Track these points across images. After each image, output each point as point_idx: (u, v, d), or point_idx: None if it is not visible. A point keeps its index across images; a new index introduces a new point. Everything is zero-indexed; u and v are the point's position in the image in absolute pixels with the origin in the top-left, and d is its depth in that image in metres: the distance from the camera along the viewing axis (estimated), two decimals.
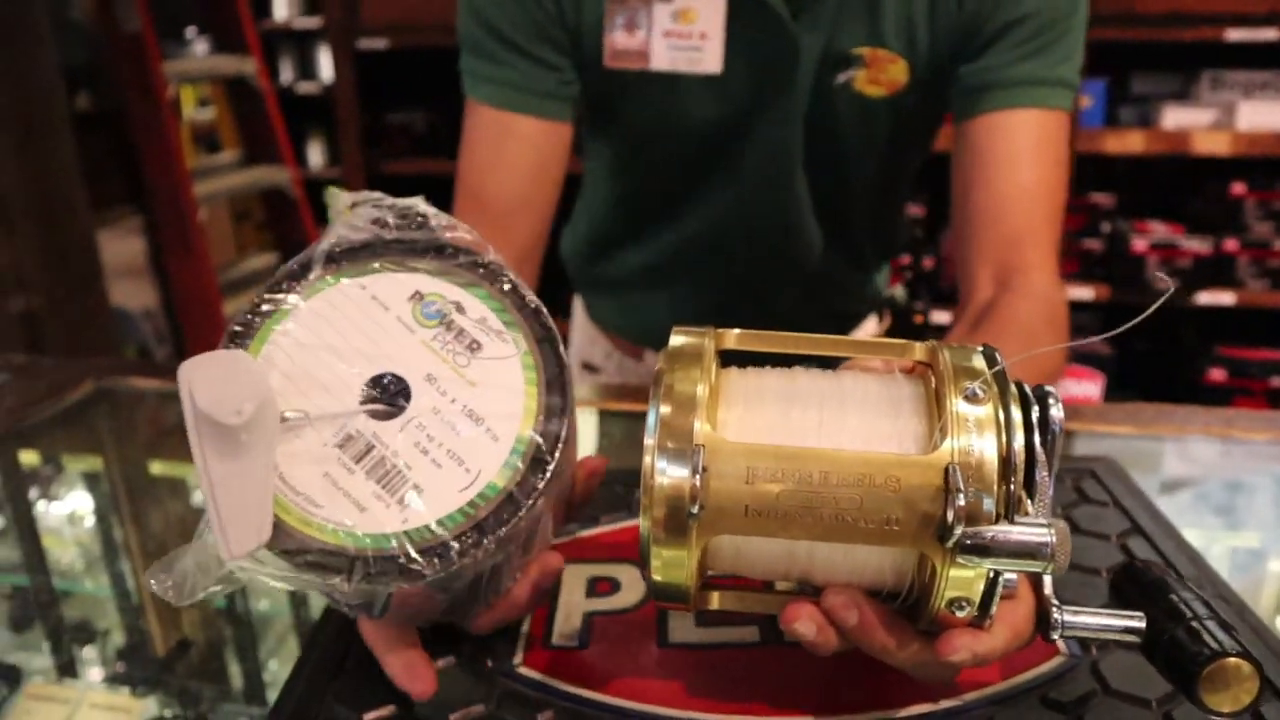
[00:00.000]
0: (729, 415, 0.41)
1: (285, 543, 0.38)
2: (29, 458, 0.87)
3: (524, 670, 0.48)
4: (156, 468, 0.86)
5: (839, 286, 1.01)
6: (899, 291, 1.20)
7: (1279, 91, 2.14)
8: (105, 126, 2.78)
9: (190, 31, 3.50)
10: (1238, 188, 2.20)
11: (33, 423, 0.85)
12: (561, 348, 0.44)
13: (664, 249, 0.98)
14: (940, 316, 2.27)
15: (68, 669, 0.75)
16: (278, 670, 0.77)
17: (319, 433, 0.40)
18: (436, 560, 0.38)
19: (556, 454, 0.41)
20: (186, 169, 2.82)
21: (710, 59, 0.83)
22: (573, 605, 0.53)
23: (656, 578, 0.41)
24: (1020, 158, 0.79)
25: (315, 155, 4.30)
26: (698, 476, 0.38)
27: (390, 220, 0.45)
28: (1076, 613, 0.39)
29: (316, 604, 0.77)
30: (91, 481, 0.86)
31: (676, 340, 0.43)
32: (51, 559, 0.83)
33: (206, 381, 0.36)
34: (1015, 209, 0.78)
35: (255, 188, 3.10)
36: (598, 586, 0.54)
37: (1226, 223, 2.21)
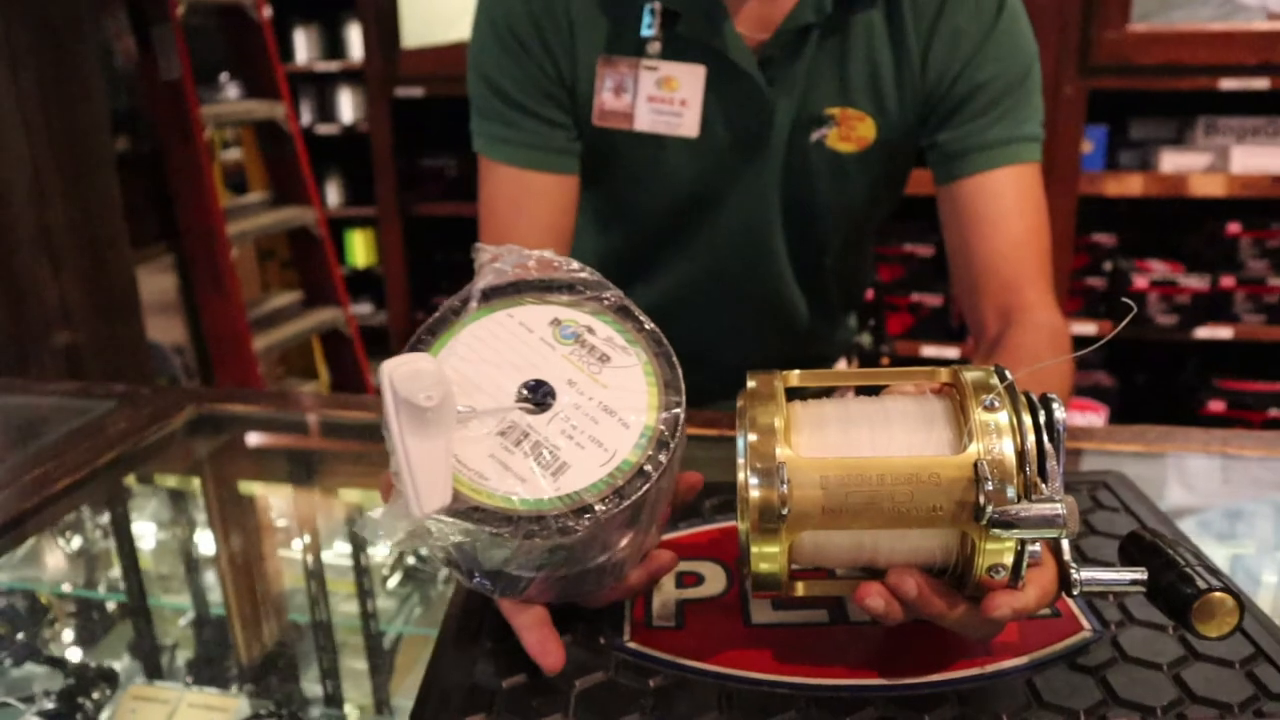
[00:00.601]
0: (800, 438, 0.51)
1: (461, 505, 0.47)
2: (139, 479, 0.96)
3: (633, 645, 0.57)
4: (253, 487, 0.95)
5: (813, 334, 1.09)
6: (866, 338, 1.30)
7: (1270, 136, 2.25)
8: (141, 168, 2.89)
9: (222, 77, 3.63)
10: (1233, 227, 2.31)
11: (144, 446, 0.94)
12: (674, 359, 0.54)
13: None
14: (949, 352, 2.37)
15: (164, 672, 0.83)
16: (358, 674, 0.85)
17: (483, 424, 0.50)
18: (586, 519, 0.47)
19: (676, 437, 0.50)
20: (221, 209, 2.93)
21: (689, 124, 0.91)
22: (666, 594, 0.61)
23: (758, 568, 0.50)
24: (1007, 213, 0.88)
25: (333, 194, 4.43)
26: (784, 486, 0.48)
27: (530, 265, 0.55)
28: (1091, 571, 0.48)
29: (385, 615, 0.86)
30: (194, 501, 0.95)
31: (751, 383, 0.53)
32: (156, 573, 0.92)
33: (402, 375, 0.46)
34: (1011, 258, 0.87)
35: (283, 227, 3.20)
36: (685, 579, 0.63)
37: (1223, 261, 2.32)
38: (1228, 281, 2.29)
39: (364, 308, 4.17)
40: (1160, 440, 0.85)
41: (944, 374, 0.53)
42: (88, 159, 2.53)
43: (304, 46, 4.30)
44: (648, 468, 0.49)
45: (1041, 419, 0.48)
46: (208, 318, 2.99)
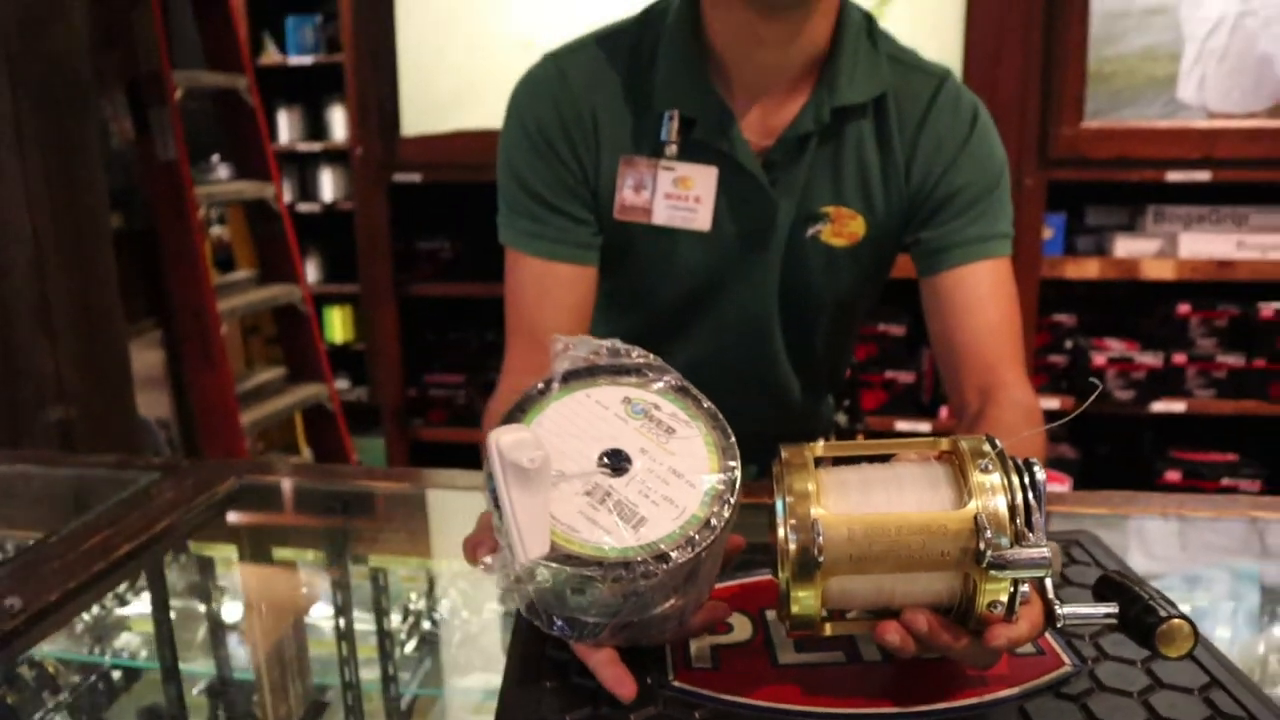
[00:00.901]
0: (828, 500, 0.60)
1: (558, 553, 0.55)
2: (193, 547, 1.02)
3: (677, 684, 0.64)
4: (299, 555, 1.01)
5: (803, 411, 1.18)
6: (842, 418, 1.39)
7: (1214, 224, 2.41)
8: (133, 245, 2.94)
9: (214, 158, 3.73)
10: (1183, 308, 2.46)
11: (193, 514, 1.01)
12: (729, 430, 0.63)
13: None
14: (922, 427, 2.48)
15: None
16: None
17: (572, 486, 0.58)
18: (663, 564, 0.55)
19: (734, 495, 0.59)
20: (212, 286, 3.00)
21: (702, 219, 1.00)
22: (701, 640, 0.69)
23: (795, 611, 0.59)
24: (984, 302, 0.98)
25: (312, 271, 4.51)
26: (819, 539, 0.57)
27: (602, 352, 0.64)
28: (1071, 608, 0.58)
29: (401, 679, 0.93)
30: (242, 569, 1.02)
31: (785, 454, 0.62)
32: (219, 639, 0.98)
33: (508, 442, 0.55)
34: (988, 342, 0.97)
35: (271, 304, 3.26)
36: (717, 628, 0.71)
37: (1175, 339, 2.46)
38: (1180, 358, 2.43)
39: (341, 383, 4.23)
40: (1124, 504, 0.95)
41: (944, 443, 0.63)
42: (87, 235, 2.59)
43: (287, 127, 4.43)
44: (713, 521, 0.58)
45: (1026, 480, 0.58)
46: (197, 392, 3.02)
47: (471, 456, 2.63)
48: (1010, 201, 1.02)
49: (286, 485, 1.10)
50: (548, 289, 1.01)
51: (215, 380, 2.99)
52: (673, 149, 0.98)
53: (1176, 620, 0.54)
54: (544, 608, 0.59)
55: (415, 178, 2.41)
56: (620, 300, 1.10)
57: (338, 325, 4.55)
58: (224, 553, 1.06)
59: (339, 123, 4.42)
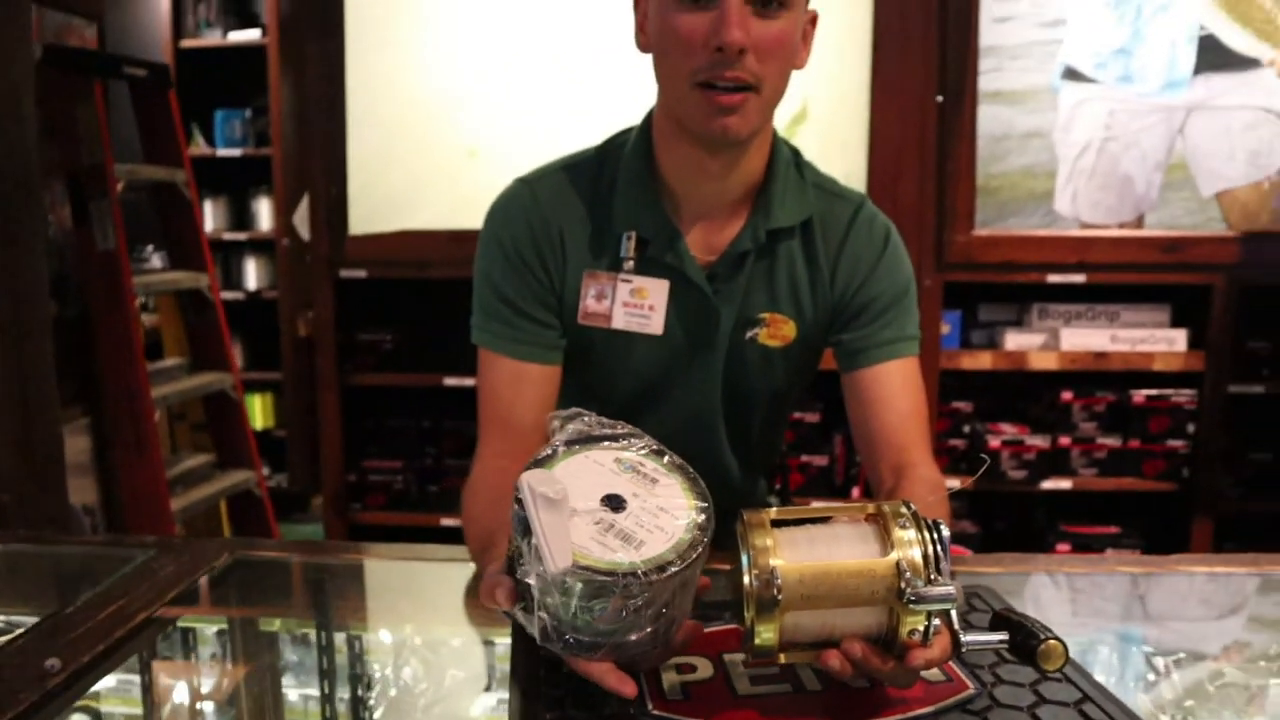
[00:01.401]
0: (783, 552, 0.75)
1: (579, 565, 0.69)
2: (197, 618, 1.11)
3: (656, 712, 0.78)
4: (298, 627, 1.11)
5: (741, 493, 1.31)
6: (774, 500, 1.54)
7: (1090, 320, 2.68)
8: (65, 332, 2.94)
9: (148, 248, 3.79)
10: (1066, 395, 2.68)
11: (195, 587, 1.11)
12: (699, 478, 0.78)
13: None
14: (836, 504, 2.65)
15: None
16: None
17: (582, 520, 0.73)
18: (659, 574, 0.70)
19: (709, 526, 0.74)
20: (146, 373, 3.02)
21: (655, 324, 1.14)
22: (671, 678, 0.83)
23: (757, 643, 0.73)
24: (896, 396, 1.14)
25: (235, 357, 4.53)
26: (778, 581, 0.72)
27: (593, 422, 0.79)
28: (973, 635, 0.74)
29: None
30: (245, 638, 1.11)
31: (746, 516, 0.77)
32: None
33: (536, 479, 0.70)
34: (900, 430, 1.13)
35: (203, 391, 3.29)
36: (682, 669, 0.85)
37: (1060, 423, 2.68)
38: (1065, 440, 2.66)
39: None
40: (1015, 563, 1.12)
41: (870, 507, 0.79)
42: (28, 323, 2.62)
43: (212, 216, 4.50)
44: (696, 542, 0.73)
45: (934, 535, 0.74)
46: (126, 479, 3.01)
47: (410, 538, 2.72)
48: (917, 308, 1.19)
49: (278, 559, 1.20)
50: (518, 386, 1.14)
51: (146, 466, 2.99)
52: (630, 264, 1.12)
53: (1053, 641, 0.70)
54: (555, 630, 0.73)
55: (361, 273, 2.54)
56: (580, 395, 1.22)
57: (258, 412, 4.57)
58: (219, 624, 1.15)
59: (264, 213, 4.52)
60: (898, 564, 0.72)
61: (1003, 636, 0.73)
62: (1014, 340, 2.66)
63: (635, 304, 1.14)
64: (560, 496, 0.70)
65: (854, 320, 1.16)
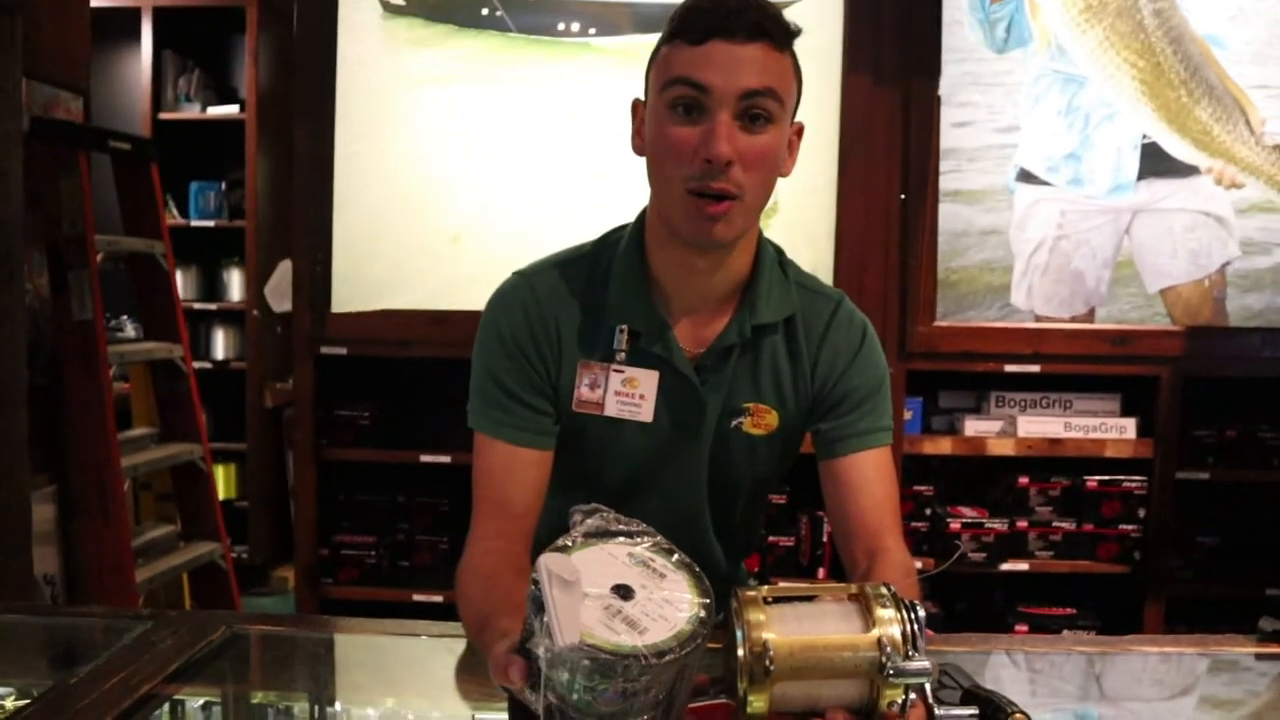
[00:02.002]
0: (774, 627, 0.81)
1: (585, 644, 0.74)
2: (193, 695, 1.13)
3: None
4: (294, 699, 1.14)
5: (724, 578, 1.31)
6: (754, 581, 1.61)
7: (1044, 408, 2.79)
8: (35, 400, 2.92)
9: (123, 318, 3.79)
10: (1023, 480, 2.77)
11: (196, 659, 1.14)
12: (703, 575, 0.83)
13: None
14: (800, 584, 2.71)
15: None
16: None
17: (594, 604, 0.78)
18: (659, 658, 0.75)
19: (709, 620, 0.80)
20: (117, 443, 3.01)
21: (645, 412, 1.19)
22: None
23: (750, 711, 0.79)
24: (870, 484, 1.20)
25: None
26: (770, 653, 0.78)
27: (611, 518, 0.86)
28: (945, 710, 0.80)
29: None
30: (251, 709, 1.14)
31: (741, 594, 0.83)
32: None
33: (554, 561, 0.76)
34: (873, 515, 1.18)
35: (173, 461, 3.28)
36: None
37: (1017, 507, 2.76)
38: (1022, 524, 2.74)
39: None
40: (979, 642, 1.19)
41: (853, 588, 0.85)
42: (4, 392, 2.62)
43: (183, 286, 4.52)
44: (695, 634, 0.78)
45: (911, 615, 0.81)
46: (91, 549, 2.97)
47: (382, 613, 2.71)
48: (890, 400, 1.26)
49: (272, 633, 1.24)
50: (512, 469, 1.18)
51: (112, 537, 2.95)
52: (622, 356, 1.18)
53: (1019, 715, 0.77)
54: (559, 710, 0.78)
55: (341, 350, 2.59)
56: (571, 480, 1.25)
57: (221, 482, 4.54)
58: (216, 698, 1.18)
59: (235, 284, 4.55)
60: (879, 640, 0.78)
61: (973, 711, 0.80)
62: (973, 427, 2.76)
63: (627, 393, 1.19)
64: (574, 579, 0.76)
65: (832, 410, 1.22)
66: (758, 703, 0.79)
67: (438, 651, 1.24)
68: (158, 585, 3.06)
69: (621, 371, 1.19)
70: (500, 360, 1.19)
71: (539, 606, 0.77)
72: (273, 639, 1.23)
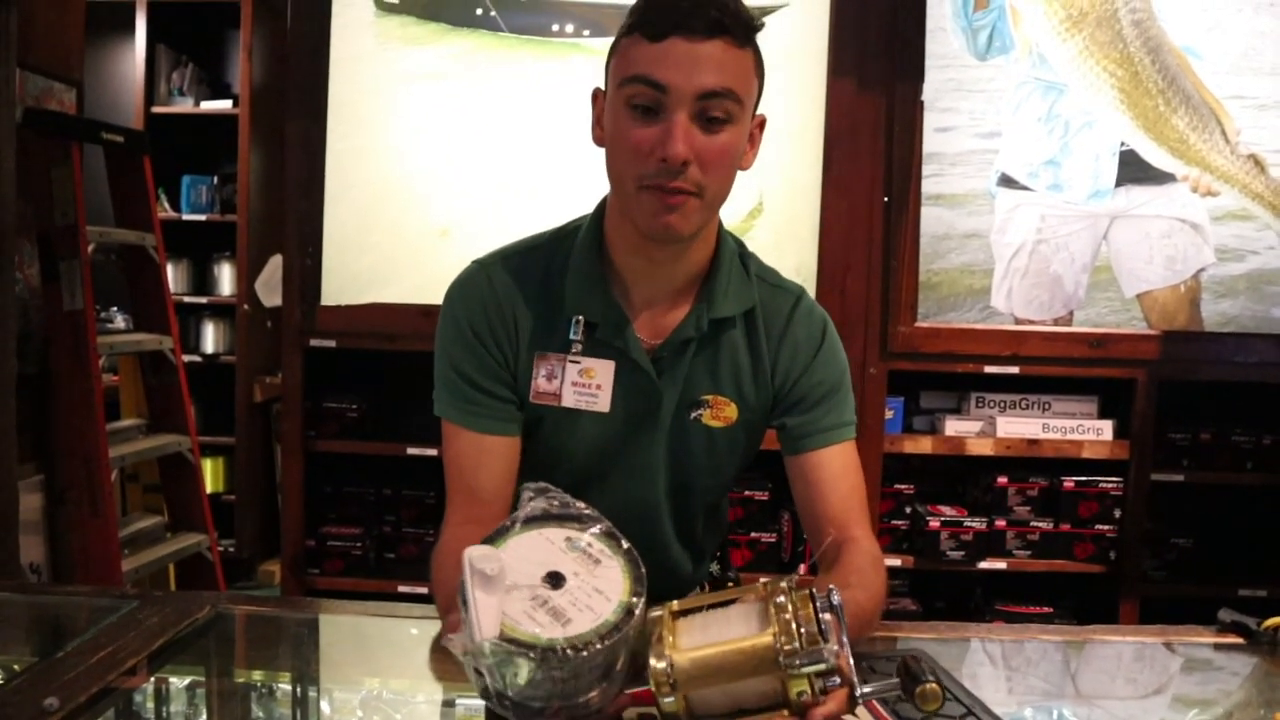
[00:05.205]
0: (680, 642, 0.85)
1: (503, 636, 0.77)
2: (174, 670, 1.16)
3: None
4: (279, 678, 1.17)
5: (683, 575, 1.37)
6: (715, 567, 1.63)
7: (1023, 409, 2.83)
8: (25, 390, 2.93)
9: (112, 310, 3.81)
10: (1001, 479, 2.80)
11: (180, 637, 1.17)
12: (641, 565, 0.86)
13: None
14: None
15: None
16: None
17: (521, 593, 0.81)
18: (576, 651, 0.78)
19: (637, 611, 0.83)
20: (105, 433, 3.03)
21: (602, 403, 1.20)
22: None
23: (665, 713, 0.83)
24: (836, 478, 1.22)
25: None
26: (672, 669, 0.82)
27: (557, 501, 0.89)
28: (869, 686, 0.84)
29: None
30: (222, 688, 1.16)
31: (653, 611, 0.86)
32: None
33: (477, 554, 0.79)
34: (840, 506, 1.21)
35: (160, 452, 3.30)
36: None
37: (996, 506, 2.79)
38: (1000, 523, 2.77)
39: None
40: (946, 631, 1.23)
41: (762, 588, 0.88)
42: None
43: (174, 279, 4.53)
44: (620, 625, 0.81)
45: (819, 604, 0.83)
46: (78, 539, 2.99)
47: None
48: (852, 396, 1.28)
49: (257, 614, 1.27)
50: (480, 457, 1.20)
51: (99, 527, 2.97)
52: (578, 347, 1.20)
53: (931, 685, 0.81)
54: (495, 688, 0.81)
55: (330, 343, 2.62)
56: (533, 470, 1.26)
57: (209, 475, 4.55)
58: (199, 675, 1.21)
59: (226, 278, 4.57)
60: (774, 636, 0.81)
61: (895, 682, 0.84)
62: (953, 427, 2.79)
63: (583, 384, 1.21)
64: (495, 573, 0.78)
65: (796, 406, 1.24)
66: (669, 707, 0.82)
67: (421, 633, 1.27)
68: (144, 576, 3.08)
69: (578, 362, 1.20)
70: (461, 350, 1.21)
71: (464, 596, 0.79)
72: (257, 619, 1.26)
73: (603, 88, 1.18)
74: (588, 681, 0.80)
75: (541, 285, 1.22)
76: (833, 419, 1.24)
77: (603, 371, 1.20)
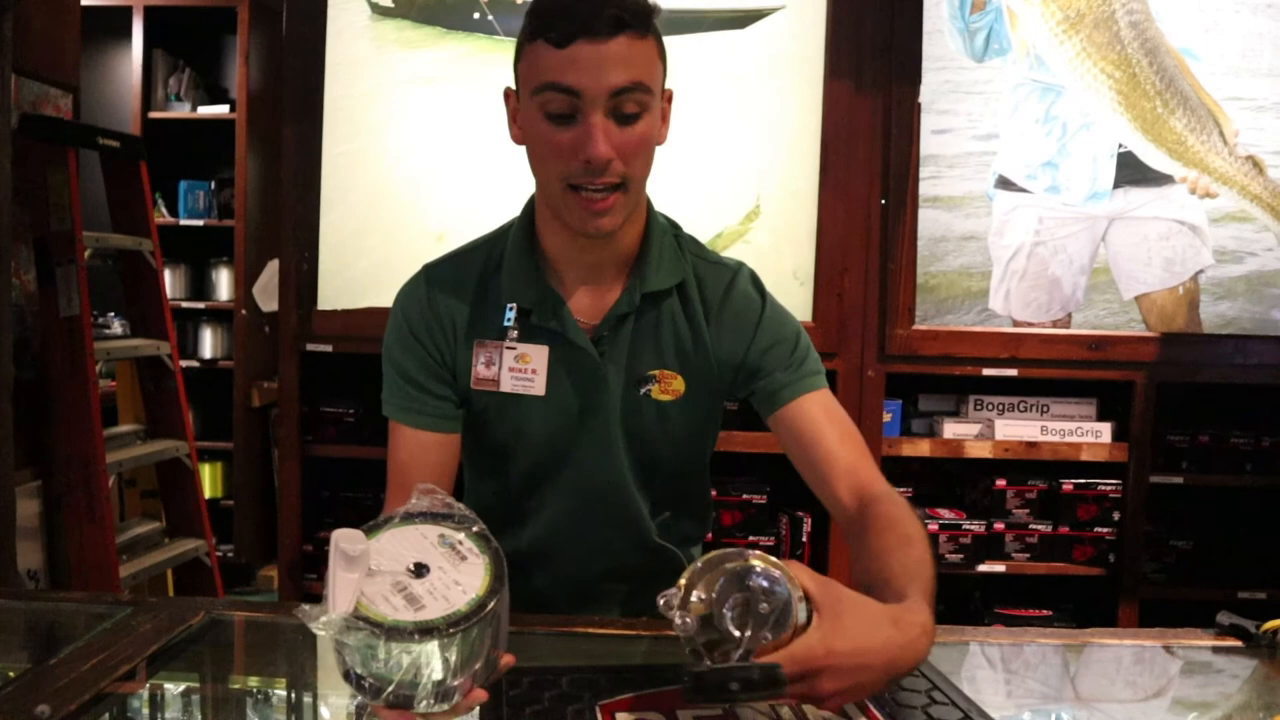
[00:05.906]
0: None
1: (358, 613, 0.78)
2: (177, 673, 1.16)
3: None
4: (274, 684, 1.16)
5: (671, 563, 1.35)
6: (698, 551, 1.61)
7: (1022, 412, 2.83)
8: (21, 396, 2.93)
9: (110, 315, 3.81)
10: (1000, 482, 2.80)
11: (175, 642, 1.16)
12: (504, 565, 0.87)
13: (524, 545, 1.31)
14: None
15: None
16: None
17: (384, 578, 0.82)
18: (423, 634, 0.79)
19: (490, 605, 0.83)
20: (103, 438, 3.03)
21: (539, 386, 1.23)
22: None
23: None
24: (822, 423, 1.21)
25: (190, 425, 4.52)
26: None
27: (440, 503, 0.90)
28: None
29: None
30: (219, 693, 1.16)
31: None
32: None
33: (342, 536, 0.80)
34: (839, 450, 1.20)
35: (158, 458, 3.30)
36: None
37: (994, 509, 2.79)
38: (999, 526, 2.78)
39: None
40: (947, 634, 1.22)
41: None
42: None
43: (171, 285, 4.53)
44: (471, 615, 0.82)
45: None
46: (75, 545, 2.98)
47: None
48: (814, 351, 1.28)
49: (251, 619, 1.26)
50: (417, 453, 1.25)
51: (97, 533, 2.96)
52: (514, 333, 1.23)
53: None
54: (350, 667, 0.81)
55: (327, 348, 2.61)
56: (489, 462, 1.32)
57: (207, 481, 4.55)
58: (193, 681, 1.20)
59: (224, 284, 4.57)
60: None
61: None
62: (951, 429, 2.79)
63: (520, 369, 1.25)
64: (357, 554, 0.80)
65: (757, 373, 1.26)
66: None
67: None
68: (142, 581, 3.08)
69: (514, 348, 1.24)
70: (400, 351, 1.27)
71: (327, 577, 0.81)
72: (252, 625, 1.26)
73: (513, 87, 1.21)
74: (439, 669, 0.81)
75: (480, 280, 1.27)
76: (800, 372, 1.25)
77: (538, 356, 1.24)
